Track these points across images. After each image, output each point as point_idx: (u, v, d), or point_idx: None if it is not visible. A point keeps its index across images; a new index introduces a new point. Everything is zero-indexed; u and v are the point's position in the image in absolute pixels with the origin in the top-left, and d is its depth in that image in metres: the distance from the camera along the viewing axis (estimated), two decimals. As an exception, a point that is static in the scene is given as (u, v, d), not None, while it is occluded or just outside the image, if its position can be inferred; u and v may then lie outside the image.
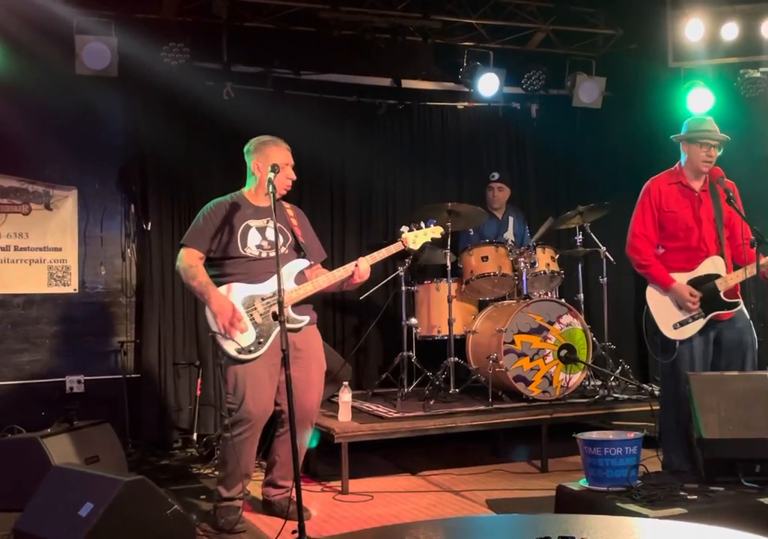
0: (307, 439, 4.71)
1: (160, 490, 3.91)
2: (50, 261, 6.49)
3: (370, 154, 7.41)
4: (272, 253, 4.41)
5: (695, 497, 3.87)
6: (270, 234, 4.51)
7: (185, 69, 6.32)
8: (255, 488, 5.05)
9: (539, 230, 6.72)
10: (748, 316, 4.82)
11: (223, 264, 4.52)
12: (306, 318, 4.57)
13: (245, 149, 4.65)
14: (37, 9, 5.83)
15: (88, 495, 3.74)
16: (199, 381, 6.51)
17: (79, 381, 6.44)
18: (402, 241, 4.70)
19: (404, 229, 4.74)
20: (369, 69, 7.33)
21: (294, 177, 4.62)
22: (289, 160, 4.61)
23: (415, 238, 4.72)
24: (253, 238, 4.53)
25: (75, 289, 6.57)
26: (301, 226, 4.75)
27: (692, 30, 6.77)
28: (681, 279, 4.80)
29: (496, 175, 7.13)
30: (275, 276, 4.03)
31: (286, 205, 4.78)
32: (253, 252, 4.51)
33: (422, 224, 4.78)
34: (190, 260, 4.48)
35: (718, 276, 4.77)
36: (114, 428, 5.41)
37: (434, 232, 4.82)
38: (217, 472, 4.66)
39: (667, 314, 4.81)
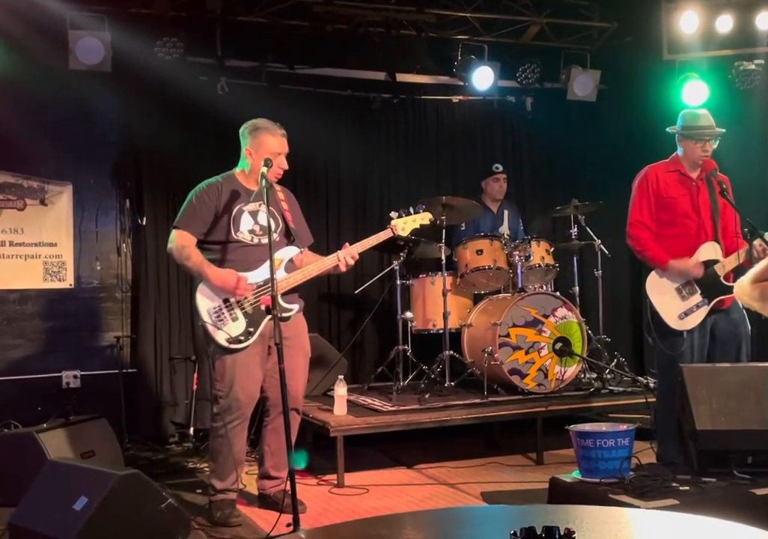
0: (297, 426, 4.72)
1: (155, 484, 3.93)
2: (45, 256, 6.49)
3: (364, 148, 7.40)
4: (264, 240, 4.40)
5: (687, 488, 3.90)
6: (262, 218, 4.48)
7: (179, 64, 6.31)
8: (251, 482, 5.07)
9: (532, 225, 6.74)
10: (743, 307, 4.83)
11: (215, 248, 4.50)
12: (295, 307, 4.57)
13: (240, 131, 4.60)
14: (30, 4, 5.81)
15: (82, 489, 3.75)
16: (195, 375, 6.52)
17: (75, 377, 6.44)
18: (391, 228, 4.70)
19: (393, 214, 4.74)
20: (363, 63, 7.32)
21: (286, 166, 4.57)
22: (283, 148, 4.56)
23: (404, 224, 4.73)
24: (246, 223, 4.50)
25: (70, 285, 6.58)
26: (292, 209, 4.72)
27: (687, 22, 6.76)
28: None
29: (500, 167, 7.12)
30: (266, 264, 4.02)
31: (278, 187, 4.72)
32: (245, 237, 4.49)
33: (411, 210, 4.78)
34: (181, 241, 4.45)
35: (716, 261, 4.77)
36: (110, 423, 5.42)
37: (423, 218, 4.81)
38: (209, 464, 4.65)
39: (670, 306, 4.79)
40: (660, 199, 4.89)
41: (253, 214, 4.54)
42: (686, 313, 4.76)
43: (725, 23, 6.73)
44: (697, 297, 4.77)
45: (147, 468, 5.44)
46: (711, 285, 4.75)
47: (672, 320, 4.78)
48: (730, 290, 4.76)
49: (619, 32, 7.43)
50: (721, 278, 4.75)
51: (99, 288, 6.68)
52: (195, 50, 6.52)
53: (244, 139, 4.59)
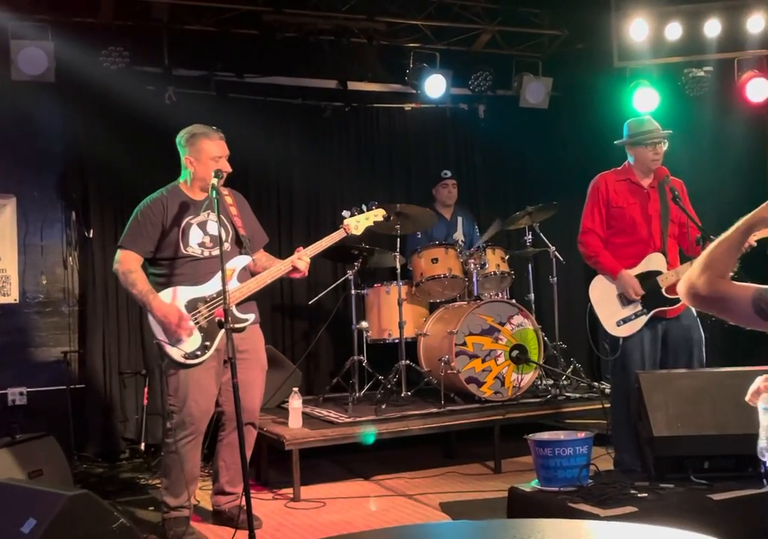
0: (253, 440, 4.62)
1: (106, 504, 3.81)
2: (-11, 271, 6.34)
3: (316, 156, 7.35)
4: (214, 252, 4.31)
5: (645, 495, 3.90)
6: (211, 228, 4.38)
7: (125, 73, 6.21)
8: (205, 498, 4.97)
9: (487, 233, 6.71)
10: (695, 314, 4.85)
11: (164, 264, 4.39)
12: (251, 317, 4.47)
13: (177, 140, 4.49)
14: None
15: (30, 511, 3.62)
16: (146, 390, 6.39)
17: (21, 394, 6.27)
18: (344, 228, 4.63)
19: (346, 213, 4.67)
20: (314, 71, 7.26)
21: (229, 169, 4.45)
22: (223, 151, 4.46)
23: (357, 222, 4.66)
24: (195, 236, 4.39)
25: (15, 300, 6.40)
26: (241, 214, 4.61)
27: (636, 30, 6.80)
28: None
29: (449, 173, 7.12)
30: (218, 276, 3.94)
31: (225, 191, 4.58)
32: (195, 251, 4.38)
33: (363, 207, 4.71)
34: (128, 264, 4.32)
35: (659, 272, 4.80)
36: (59, 440, 5.25)
37: (377, 214, 4.75)
38: (161, 481, 4.53)
39: (609, 312, 4.84)
40: (610, 208, 4.93)
41: (202, 226, 4.43)
42: (624, 320, 4.80)
43: (674, 31, 6.78)
44: (636, 306, 4.80)
45: (98, 485, 5.34)
46: (652, 295, 4.78)
47: (610, 326, 4.82)
48: (670, 302, 4.78)
49: (570, 40, 7.49)
50: (663, 290, 4.77)
51: (45, 303, 6.52)
52: (141, 59, 6.41)
53: (182, 148, 4.47)
